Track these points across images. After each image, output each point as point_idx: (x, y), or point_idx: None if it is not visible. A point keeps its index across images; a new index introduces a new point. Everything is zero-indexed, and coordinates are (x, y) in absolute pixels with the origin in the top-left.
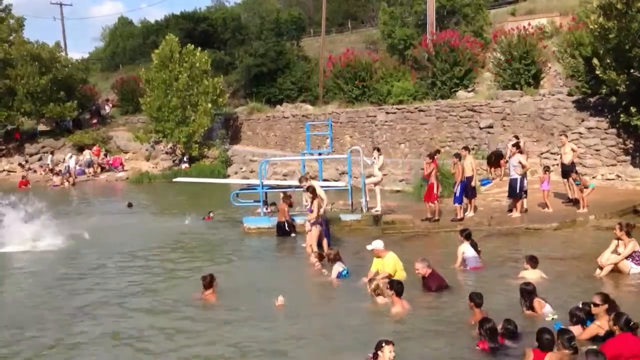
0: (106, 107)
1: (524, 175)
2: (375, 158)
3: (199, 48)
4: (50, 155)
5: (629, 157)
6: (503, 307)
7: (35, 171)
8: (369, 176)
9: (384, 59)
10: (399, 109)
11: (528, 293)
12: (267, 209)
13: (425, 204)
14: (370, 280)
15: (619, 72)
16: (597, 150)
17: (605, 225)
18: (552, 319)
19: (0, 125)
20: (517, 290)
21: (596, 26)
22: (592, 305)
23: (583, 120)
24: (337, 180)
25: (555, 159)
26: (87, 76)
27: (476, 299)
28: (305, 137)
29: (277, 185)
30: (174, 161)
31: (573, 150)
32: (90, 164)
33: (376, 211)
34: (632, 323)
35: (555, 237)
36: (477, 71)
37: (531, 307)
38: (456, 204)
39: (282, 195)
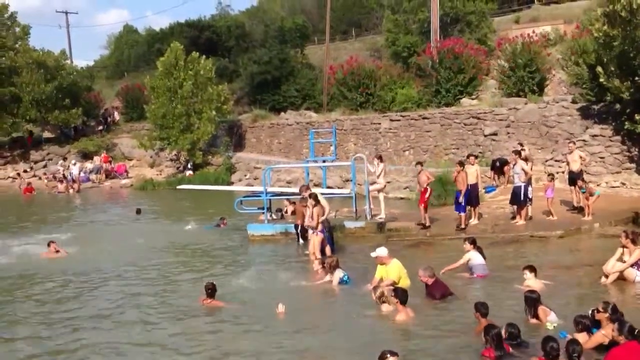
0: (115, 114)
1: (528, 183)
2: (376, 165)
3: (204, 56)
4: (61, 161)
5: (633, 165)
6: (508, 315)
7: (39, 178)
8: (372, 183)
9: (387, 67)
10: (403, 117)
11: (533, 301)
12: (271, 216)
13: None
14: (375, 288)
15: (623, 79)
16: (601, 158)
17: (610, 233)
18: (553, 327)
19: (5, 133)
20: (522, 298)
21: (600, 34)
22: (595, 311)
23: (587, 128)
24: (341, 188)
25: (560, 166)
26: (92, 83)
27: (482, 309)
28: (309, 145)
29: (280, 192)
30: (178, 168)
31: (581, 157)
32: (98, 171)
33: (380, 218)
34: (636, 331)
35: (560, 245)
36: (481, 79)
37: (536, 315)
38: (460, 213)
39: (302, 196)
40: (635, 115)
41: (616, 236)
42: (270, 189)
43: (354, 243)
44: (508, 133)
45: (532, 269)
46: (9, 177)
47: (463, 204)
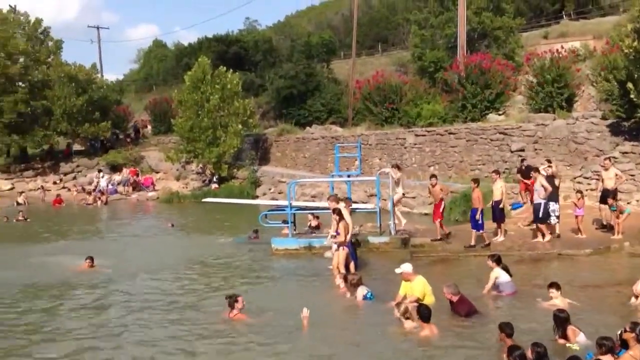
0: (148, 127)
1: (548, 200)
2: (394, 175)
3: (231, 70)
4: (96, 172)
5: None
6: (534, 335)
7: (68, 190)
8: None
9: (414, 82)
10: (428, 132)
11: (562, 321)
12: (295, 230)
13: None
14: (398, 304)
15: None
16: (632, 176)
17: None
18: (577, 348)
19: (36, 145)
20: (549, 317)
21: (630, 50)
22: (623, 332)
23: (617, 145)
24: (365, 202)
25: (589, 184)
26: (122, 97)
27: (507, 329)
28: (334, 159)
29: (305, 206)
30: (203, 181)
31: (617, 175)
32: (126, 183)
33: (403, 231)
34: None
35: (589, 264)
36: (508, 94)
37: (565, 336)
38: (478, 231)
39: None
40: None
41: None
42: (294, 203)
43: (378, 258)
44: (536, 149)
45: (557, 286)
46: (38, 188)
47: (480, 221)
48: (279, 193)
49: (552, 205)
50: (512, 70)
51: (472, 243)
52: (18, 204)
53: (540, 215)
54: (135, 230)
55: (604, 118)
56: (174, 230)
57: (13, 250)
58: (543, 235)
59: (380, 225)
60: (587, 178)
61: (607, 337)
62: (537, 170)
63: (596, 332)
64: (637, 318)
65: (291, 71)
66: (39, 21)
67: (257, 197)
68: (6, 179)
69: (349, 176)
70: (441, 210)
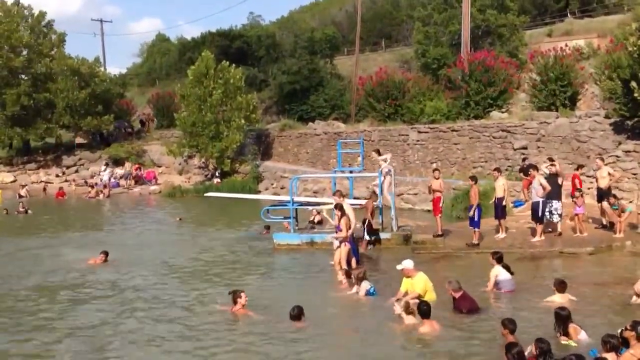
0: (155, 120)
1: (550, 198)
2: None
3: (234, 65)
4: (104, 166)
5: None
6: (536, 332)
7: (70, 183)
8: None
9: (417, 78)
10: (431, 129)
11: (563, 319)
12: (297, 225)
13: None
14: (398, 300)
15: None
16: (634, 174)
17: None
18: (575, 345)
19: (39, 138)
20: (550, 314)
21: (635, 48)
22: (624, 330)
23: (620, 143)
24: (367, 199)
25: (592, 182)
26: (124, 91)
27: (510, 325)
28: (336, 155)
29: (307, 202)
30: (206, 176)
31: (609, 174)
32: (128, 176)
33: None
34: None
35: (591, 262)
36: (511, 92)
37: (566, 333)
38: (474, 229)
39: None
40: None
41: None
42: (296, 199)
43: (380, 254)
44: (538, 147)
45: (561, 285)
46: (41, 181)
47: (476, 219)
48: (281, 188)
49: (555, 204)
50: (516, 67)
51: (475, 241)
52: (20, 196)
53: (539, 214)
54: (143, 224)
55: (607, 117)
56: (182, 224)
57: (23, 243)
58: (538, 234)
59: (382, 221)
60: (589, 177)
61: (612, 335)
62: (535, 168)
63: (598, 330)
64: (638, 317)
65: (294, 67)
66: (42, 14)
67: (259, 192)
68: (9, 172)
69: (351, 172)
70: (441, 205)
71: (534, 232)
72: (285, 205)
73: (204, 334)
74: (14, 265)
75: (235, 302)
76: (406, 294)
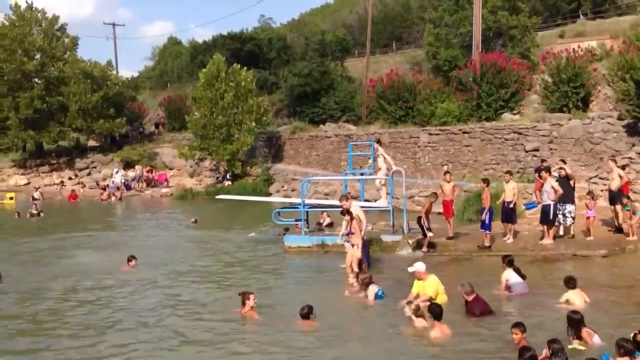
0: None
1: (562, 201)
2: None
3: (245, 68)
4: (121, 170)
5: None
6: (550, 335)
7: (84, 185)
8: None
9: (428, 80)
10: (442, 131)
11: (576, 322)
12: (307, 227)
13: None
14: (409, 303)
15: None
16: None
17: None
18: (583, 348)
19: (52, 141)
20: (561, 318)
21: None
22: (637, 334)
23: (634, 145)
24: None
25: (605, 184)
26: (136, 94)
27: (520, 328)
28: (347, 157)
29: (318, 204)
30: (217, 178)
31: (620, 176)
32: (139, 179)
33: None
34: None
35: (604, 265)
36: (523, 93)
37: (579, 337)
38: (486, 231)
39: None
40: None
41: None
42: (307, 201)
43: (390, 257)
44: (551, 149)
45: (570, 281)
46: (54, 184)
47: (487, 222)
48: (292, 191)
49: (568, 207)
50: (528, 69)
51: (487, 244)
52: (34, 199)
53: (551, 216)
54: (159, 226)
55: (620, 118)
56: (197, 226)
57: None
58: (549, 237)
59: (393, 223)
60: (602, 179)
61: (627, 339)
62: (548, 170)
63: (611, 334)
64: None
65: (305, 69)
66: (55, 18)
67: (270, 194)
68: (22, 174)
69: (362, 174)
70: (454, 208)
71: (543, 235)
72: (296, 208)
73: (210, 336)
74: (46, 269)
75: (244, 304)
76: (417, 296)
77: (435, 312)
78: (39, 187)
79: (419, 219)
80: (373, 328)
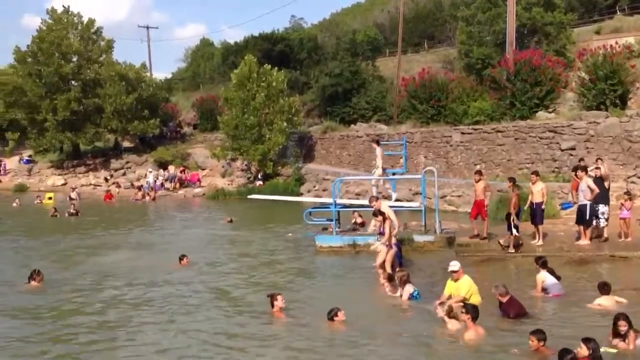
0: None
1: (596, 202)
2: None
3: (276, 68)
4: (161, 171)
5: None
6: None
7: (119, 186)
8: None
9: (460, 79)
10: (475, 130)
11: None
12: (339, 227)
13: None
14: (442, 304)
15: None
16: None
17: None
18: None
19: (88, 142)
20: (600, 318)
21: None
22: None
23: None
24: (410, 201)
25: None
26: (170, 95)
27: (538, 335)
28: None
29: (349, 204)
30: (248, 178)
31: None
32: (173, 179)
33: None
34: None
35: None
36: (559, 91)
37: (624, 339)
38: (513, 233)
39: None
40: None
41: None
42: (339, 201)
43: (422, 257)
44: (587, 148)
45: (604, 287)
46: (90, 184)
47: (514, 223)
48: (323, 190)
49: (602, 208)
50: (563, 66)
51: (504, 243)
52: (71, 198)
53: (587, 217)
54: (197, 226)
55: None
56: (232, 226)
57: (83, 243)
58: (586, 237)
59: (425, 223)
60: None
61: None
62: (584, 170)
63: None
64: None
65: (336, 69)
66: (91, 21)
67: (301, 194)
68: (59, 175)
69: (393, 174)
70: (485, 208)
71: (580, 236)
72: (328, 208)
73: (238, 337)
74: (98, 268)
75: (272, 305)
76: (450, 297)
77: (473, 312)
78: (76, 187)
79: (508, 216)
80: (405, 329)
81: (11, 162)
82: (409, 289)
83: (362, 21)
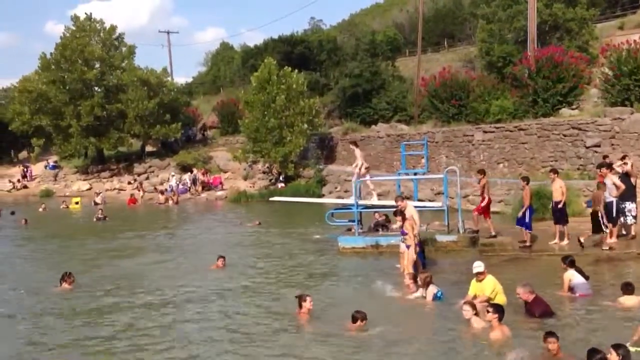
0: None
1: (622, 199)
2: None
3: (296, 70)
4: (185, 175)
5: None
6: (614, 338)
7: (143, 190)
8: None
9: (481, 77)
10: (497, 128)
11: None
12: (361, 228)
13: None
14: (467, 304)
15: None
16: None
17: None
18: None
19: (112, 147)
20: (624, 318)
21: None
22: None
23: None
24: (432, 201)
25: None
26: (191, 99)
27: (554, 337)
28: (400, 157)
29: (371, 205)
30: (270, 180)
31: None
32: (195, 182)
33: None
34: None
35: None
36: (582, 88)
37: None
38: (525, 230)
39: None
40: None
41: None
42: (361, 202)
43: (446, 257)
44: (612, 145)
45: (627, 287)
46: (114, 188)
47: (527, 220)
48: (345, 191)
49: (628, 205)
50: (587, 63)
51: (527, 243)
52: (96, 203)
53: (613, 214)
54: (226, 229)
55: None
56: (257, 227)
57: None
58: (612, 236)
59: (448, 223)
60: None
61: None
62: (609, 166)
63: None
64: None
65: (356, 70)
66: (113, 28)
67: (323, 195)
68: (84, 180)
69: (415, 174)
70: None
71: (608, 234)
72: (350, 209)
73: (264, 338)
74: (138, 270)
75: (300, 306)
76: (475, 297)
77: (499, 312)
78: (100, 192)
79: (594, 214)
80: (431, 330)
81: (37, 168)
82: (432, 289)
83: (381, 21)
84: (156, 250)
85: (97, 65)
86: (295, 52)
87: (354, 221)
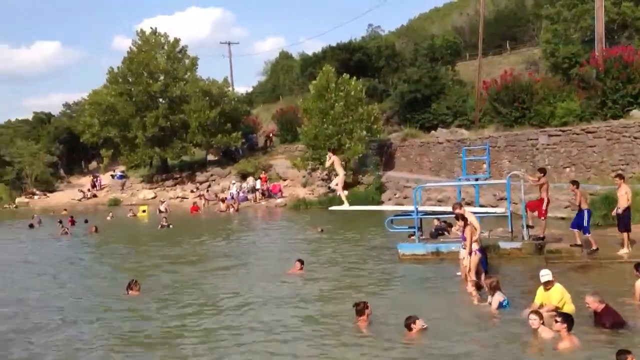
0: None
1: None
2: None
3: (354, 77)
4: (246, 182)
5: None
6: None
7: (205, 198)
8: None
9: (546, 79)
10: (563, 131)
11: None
12: (422, 235)
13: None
14: (535, 312)
15: None
16: None
17: None
18: None
19: (175, 156)
20: None
21: None
22: None
23: None
24: (494, 207)
25: None
26: (251, 108)
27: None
28: (460, 163)
29: (431, 211)
30: (329, 188)
31: None
32: (254, 190)
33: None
34: None
35: None
36: None
37: None
38: (584, 234)
39: None
40: None
41: None
42: (420, 208)
43: (509, 264)
44: None
45: None
46: (178, 197)
47: (586, 224)
48: (404, 198)
49: None
50: None
51: (594, 247)
52: (160, 211)
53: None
54: (288, 235)
55: None
56: (324, 235)
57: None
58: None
59: (512, 230)
60: None
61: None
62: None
63: None
64: None
65: (415, 75)
66: (177, 41)
67: (382, 202)
68: (149, 189)
69: (477, 180)
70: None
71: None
72: (410, 215)
73: (326, 345)
74: (223, 274)
75: (359, 314)
76: (541, 306)
77: (568, 322)
78: (164, 201)
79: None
80: (498, 340)
81: (105, 178)
82: (498, 297)
83: (440, 26)
84: (225, 256)
85: (162, 78)
86: (353, 59)
87: (414, 228)
